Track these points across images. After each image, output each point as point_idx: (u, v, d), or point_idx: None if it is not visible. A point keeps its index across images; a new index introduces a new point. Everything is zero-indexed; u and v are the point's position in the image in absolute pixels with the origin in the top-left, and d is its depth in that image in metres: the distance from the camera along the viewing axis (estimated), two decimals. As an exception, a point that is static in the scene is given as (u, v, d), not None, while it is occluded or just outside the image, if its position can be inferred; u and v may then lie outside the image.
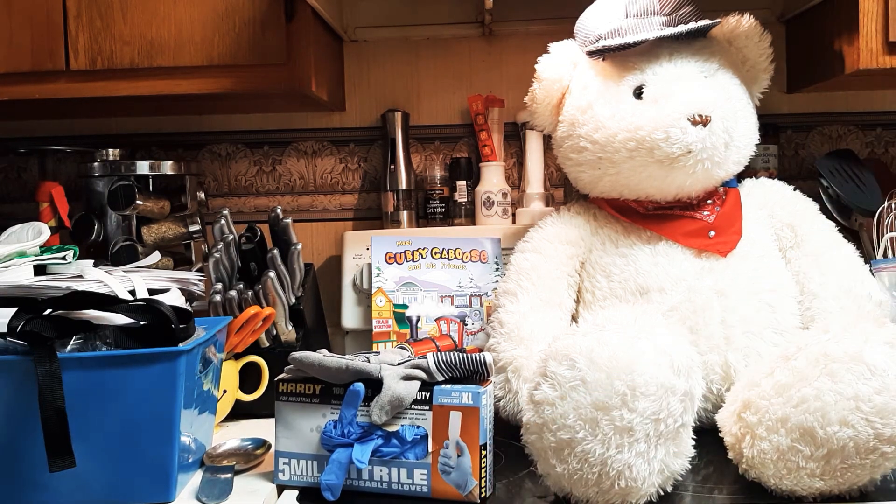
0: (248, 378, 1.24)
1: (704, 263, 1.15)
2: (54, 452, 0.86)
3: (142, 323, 0.97)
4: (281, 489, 0.97)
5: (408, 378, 0.92)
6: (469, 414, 0.90)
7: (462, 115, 1.59)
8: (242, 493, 0.96)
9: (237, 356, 1.24)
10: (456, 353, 0.93)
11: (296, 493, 0.96)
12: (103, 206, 1.39)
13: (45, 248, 1.18)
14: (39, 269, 1.13)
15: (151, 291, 1.10)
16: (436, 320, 1.35)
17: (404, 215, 1.52)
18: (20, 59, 1.29)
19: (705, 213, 1.19)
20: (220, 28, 1.27)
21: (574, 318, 1.21)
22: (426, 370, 0.93)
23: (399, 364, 0.95)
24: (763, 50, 1.23)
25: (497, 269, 1.38)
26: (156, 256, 1.31)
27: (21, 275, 1.08)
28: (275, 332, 1.28)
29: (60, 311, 0.96)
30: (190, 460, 1.00)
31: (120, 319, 0.97)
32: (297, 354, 0.95)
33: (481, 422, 0.90)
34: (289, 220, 1.30)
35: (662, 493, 0.88)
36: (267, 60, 1.28)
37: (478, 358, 0.93)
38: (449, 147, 1.60)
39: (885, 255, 1.30)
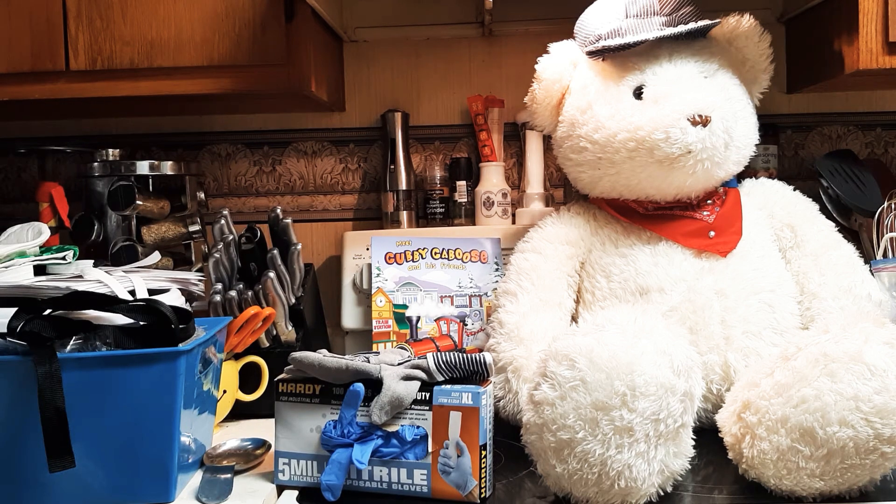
0: (248, 378, 1.24)
1: (704, 263, 1.15)
2: (54, 452, 0.86)
3: (142, 323, 0.97)
4: (281, 489, 0.97)
5: (408, 378, 0.92)
6: (469, 414, 0.90)
7: (462, 115, 1.59)
8: (242, 493, 0.96)
9: (237, 356, 1.24)
10: (456, 354, 0.93)
11: (296, 493, 0.96)
12: (103, 206, 1.39)
13: (45, 248, 1.18)
14: (39, 270, 1.13)
15: (151, 291, 1.10)
16: (436, 320, 1.35)
17: (404, 215, 1.52)
18: (20, 59, 1.29)
19: (705, 213, 1.19)
20: (219, 28, 1.27)
21: (574, 319, 1.21)
22: (426, 370, 0.93)
23: (399, 364, 0.95)
24: (763, 50, 1.23)
25: (497, 270, 1.38)
26: (156, 256, 1.31)
27: (21, 275, 1.08)
28: (275, 332, 1.28)
29: (60, 312, 0.96)
30: (190, 460, 1.00)
31: (120, 319, 0.97)
32: (296, 354, 0.95)
33: (481, 422, 0.90)
34: (289, 221, 1.30)
35: (662, 494, 0.88)
36: (267, 61, 1.28)
37: (478, 358, 0.93)
38: (449, 147, 1.60)
39: (884, 255, 1.30)
